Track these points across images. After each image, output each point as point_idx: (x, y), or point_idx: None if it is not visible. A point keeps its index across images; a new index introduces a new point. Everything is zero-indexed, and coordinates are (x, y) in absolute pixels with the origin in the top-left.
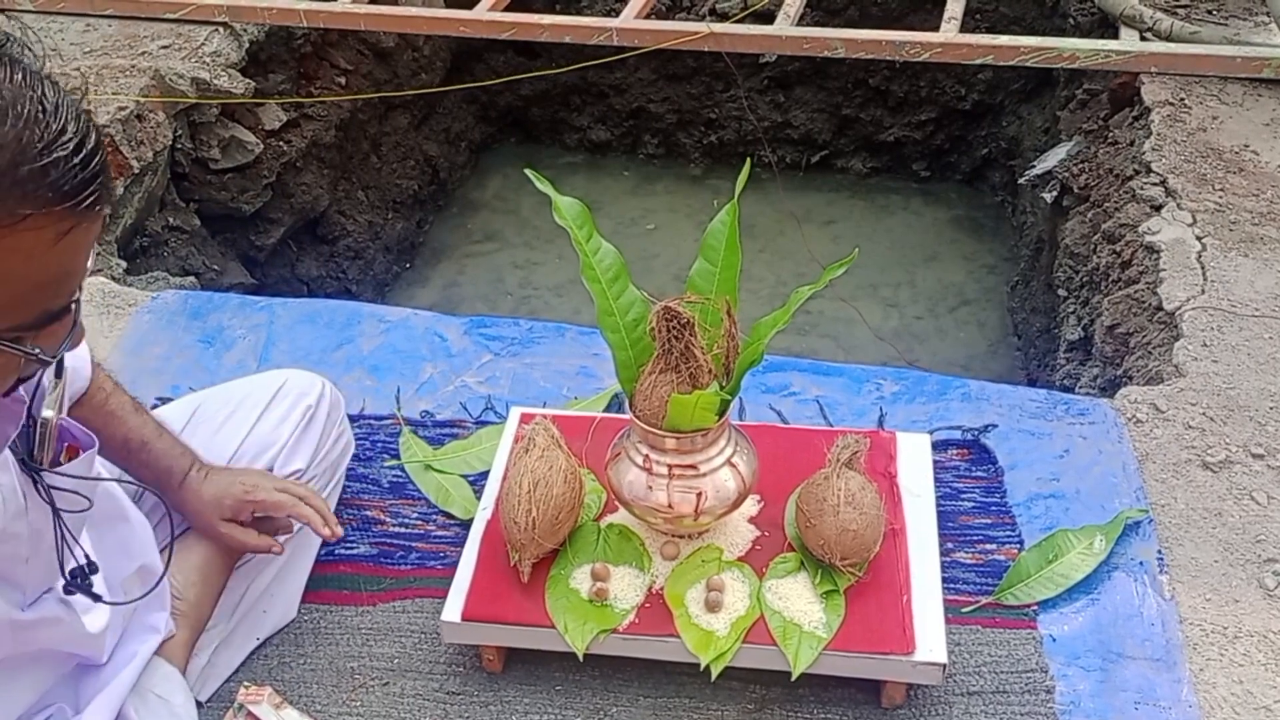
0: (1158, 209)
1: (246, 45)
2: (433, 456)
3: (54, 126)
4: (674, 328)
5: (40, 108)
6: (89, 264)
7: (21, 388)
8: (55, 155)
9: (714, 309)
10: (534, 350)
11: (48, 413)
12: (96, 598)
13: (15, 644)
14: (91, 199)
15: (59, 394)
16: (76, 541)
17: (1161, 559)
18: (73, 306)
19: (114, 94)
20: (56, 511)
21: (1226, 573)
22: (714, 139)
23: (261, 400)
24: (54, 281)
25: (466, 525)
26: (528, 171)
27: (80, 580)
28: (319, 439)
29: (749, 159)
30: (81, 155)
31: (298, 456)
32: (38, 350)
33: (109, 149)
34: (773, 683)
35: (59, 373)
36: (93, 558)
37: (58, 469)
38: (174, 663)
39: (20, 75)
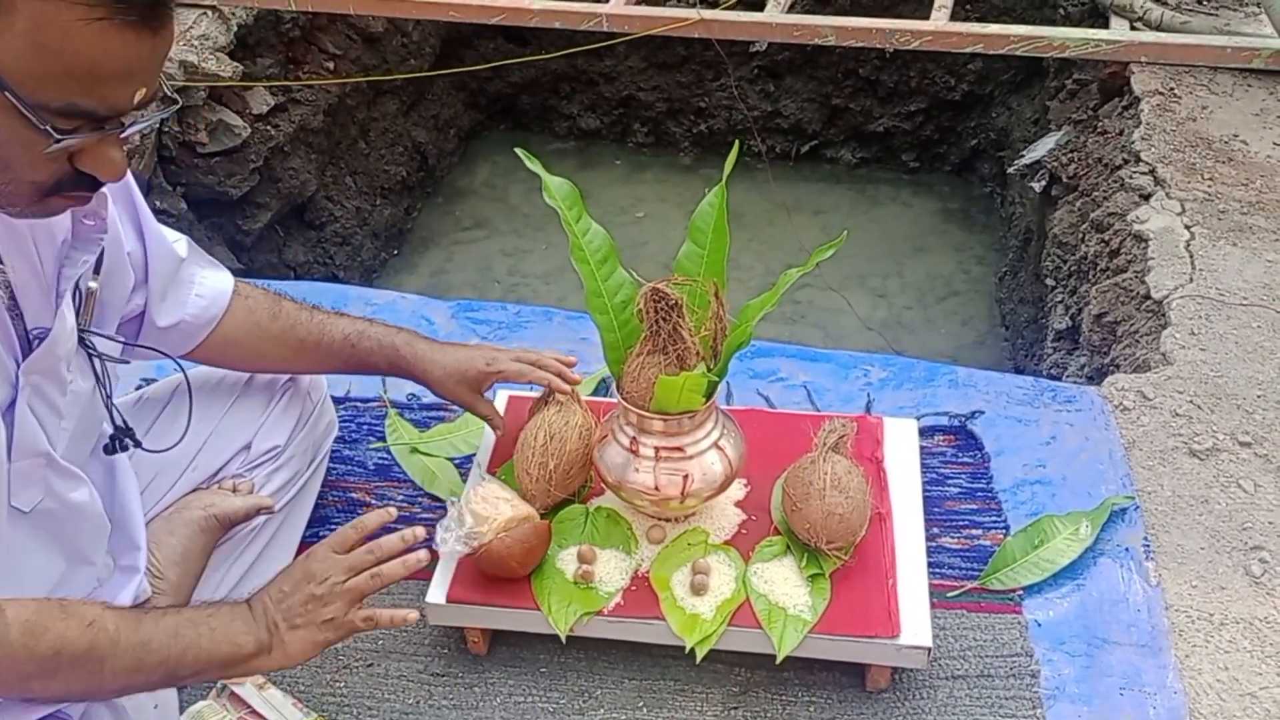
0: (1146, 198)
1: (235, 29)
2: (419, 439)
3: None
4: (662, 309)
5: None
6: (133, 92)
7: (104, 211)
8: None
9: (702, 291)
10: (521, 334)
11: (92, 284)
12: (138, 444)
13: (48, 490)
14: (128, 6)
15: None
16: (117, 408)
17: (1148, 545)
18: (106, 128)
19: None
20: (103, 360)
21: (1213, 560)
22: (704, 128)
23: (240, 378)
24: (84, 72)
25: None
26: (518, 151)
27: (119, 443)
28: (298, 418)
29: (738, 141)
30: None
31: (275, 433)
32: (57, 131)
33: None
34: (757, 666)
35: (97, 268)
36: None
37: (92, 332)
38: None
39: None
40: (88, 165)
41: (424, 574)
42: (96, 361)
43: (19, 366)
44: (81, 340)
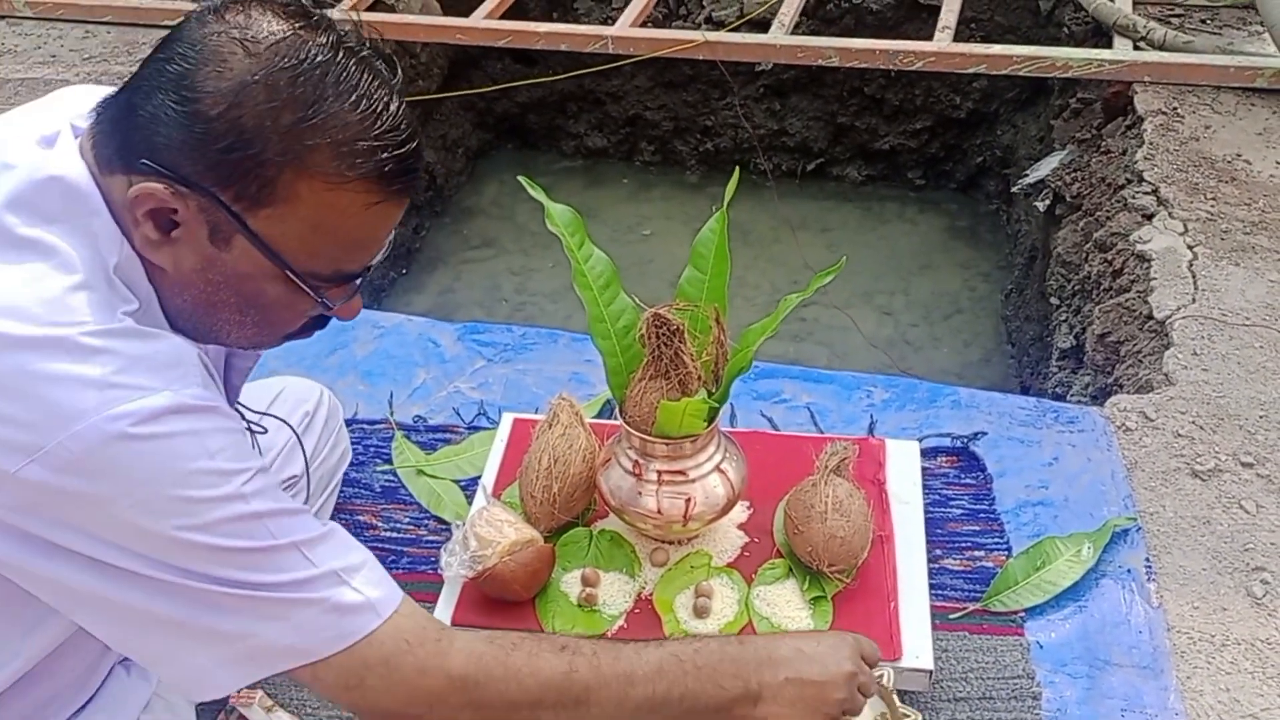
0: (1149, 218)
1: None
2: (425, 461)
3: (389, 123)
4: (663, 335)
5: (383, 107)
6: (382, 250)
7: None
8: (386, 140)
9: (703, 316)
10: (526, 356)
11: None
12: None
13: None
14: (401, 184)
15: None
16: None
17: (1150, 567)
18: (359, 278)
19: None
20: (254, 433)
21: (1215, 581)
22: (710, 146)
23: (259, 406)
24: (355, 244)
25: None
26: (521, 179)
27: None
28: (315, 445)
29: (738, 167)
30: (403, 149)
31: (293, 462)
32: (324, 299)
33: None
34: None
35: None
36: None
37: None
38: None
39: (379, 82)
40: (337, 312)
41: (430, 597)
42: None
43: None
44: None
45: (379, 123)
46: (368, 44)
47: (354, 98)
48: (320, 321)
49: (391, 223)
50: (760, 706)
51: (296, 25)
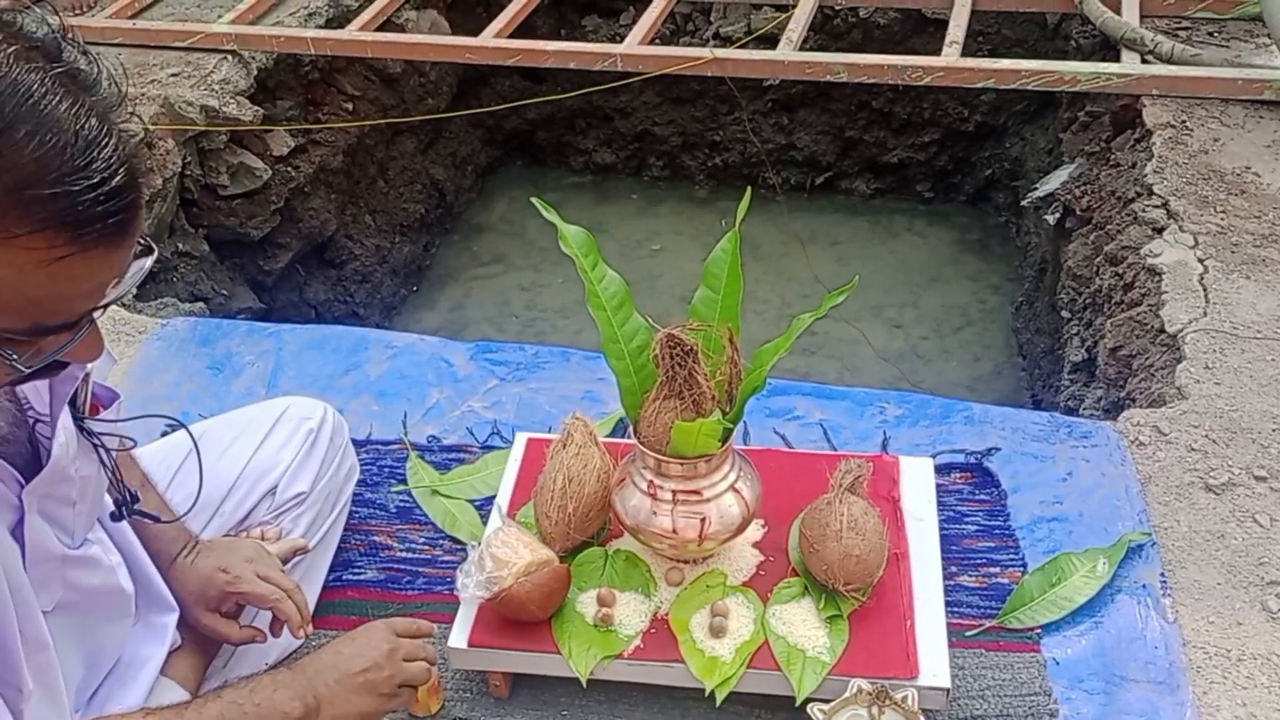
0: (1160, 231)
1: (255, 73)
2: (439, 481)
3: (78, 160)
4: (677, 355)
5: (73, 139)
6: (110, 293)
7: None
8: (68, 187)
9: (716, 336)
10: (539, 375)
11: (87, 366)
12: (154, 518)
13: (65, 584)
14: (95, 235)
15: None
16: (122, 481)
17: (1165, 582)
18: (80, 323)
19: (123, 122)
20: (106, 449)
21: (1230, 595)
22: (718, 161)
23: (264, 425)
24: (48, 300)
25: None
26: (534, 200)
27: (126, 509)
28: (321, 462)
29: (750, 187)
30: (98, 193)
31: (300, 480)
32: (15, 356)
33: None
34: (777, 708)
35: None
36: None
37: (96, 418)
38: (187, 688)
39: (69, 104)
40: (66, 356)
41: (446, 617)
42: (101, 450)
43: (22, 487)
44: (81, 428)
45: (63, 160)
46: (68, 49)
47: (28, 129)
48: (55, 366)
49: (96, 269)
50: (323, 713)
51: None
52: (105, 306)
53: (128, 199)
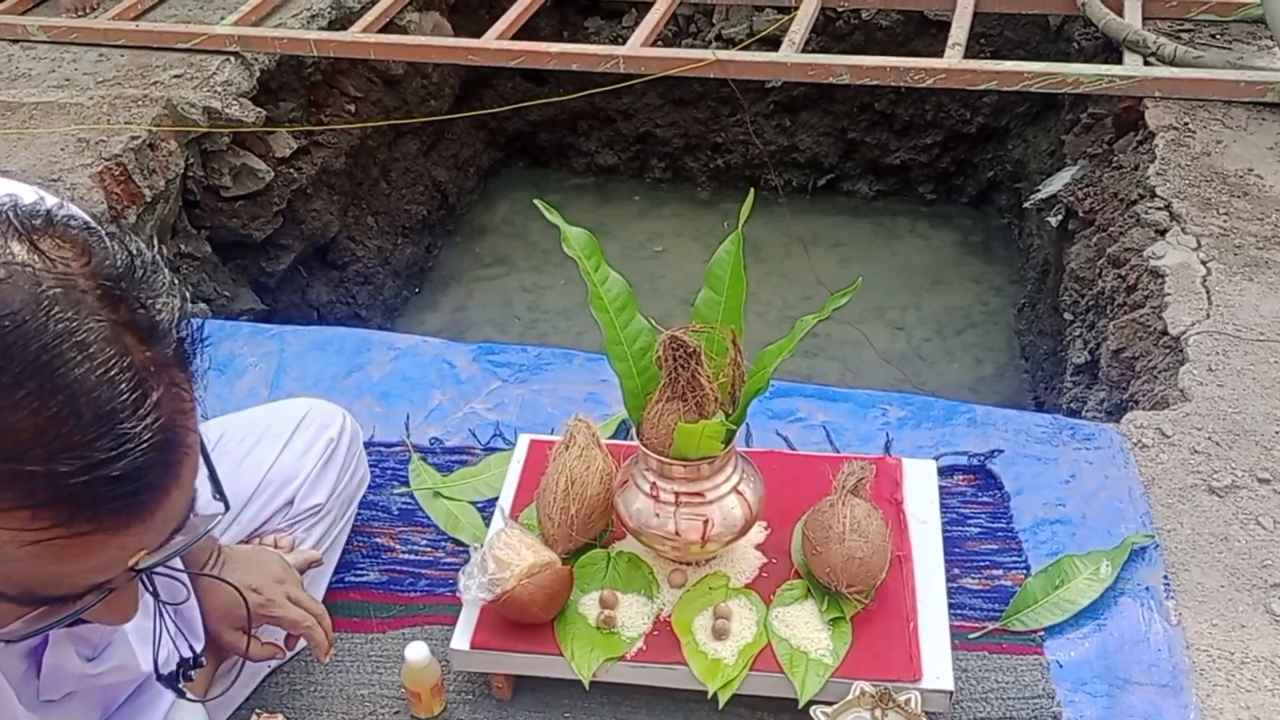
0: (1162, 233)
1: (257, 74)
2: (442, 483)
3: (80, 436)
4: (680, 357)
5: (86, 409)
6: (145, 560)
7: None
8: (56, 466)
9: (719, 338)
10: (542, 377)
11: None
12: (180, 694)
13: (81, 686)
14: (90, 519)
15: None
16: (181, 632)
17: (1168, 584)
18: (89, 594)
19: (126, 123)
20: (159, 598)
21: (1233, 598)
22: (720, 163)
23: (285, 431)
24: (36, 577)
25: None
26: (537, 202)
27: (186, 671)
28: (339, 473)
29: (753, 189)
30: (99, 474)
31: (318, 491)
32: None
33: (122, 180)
34: (780, 710)
35: None
36: (196, 650)
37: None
38: (198, 695)
39: (101, 366)
40: (92, 616)
41: (448, 619)
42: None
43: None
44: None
45: (61, 433)
46: (138, 291)
47: (31, 389)
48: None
49: (98, 554)
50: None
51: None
52: (140, 572)
53: (145, 481)
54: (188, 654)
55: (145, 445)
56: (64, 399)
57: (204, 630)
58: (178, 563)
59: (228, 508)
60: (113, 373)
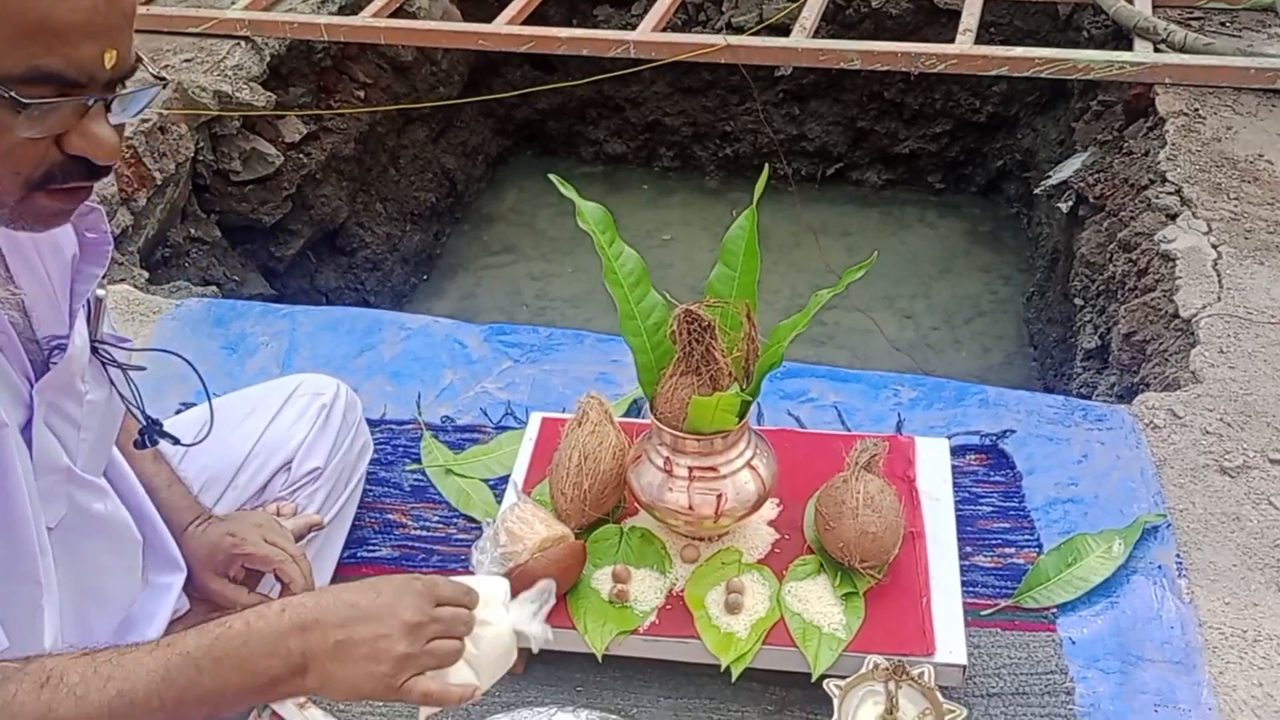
0: (1173, 218)
1: (267, 59)
2: (453, 461)
3: None
4: (695, 331)
5: None
6: (107, 60)
7: (104, 225)
8: None
9: (734, 312)
10: (553, 357)
11: (100, 292)
12: (174, 440)
13: (70, 503)
14: None
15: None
16: (139, 406)
17: (1180, 563)
18: (86, 98)
19: None
20: (125, 369)
21: (1245, 576)
22: (729, 152)
23: (276, 402)
24: (36, 28)
25: None
26: (552, 177)
27: (149, 437)
28: (335, 437)
29: (768, 165)
30: None
31: (314, 455)
32: (11, 93)
33: (132, 162)
34: (793, 684)
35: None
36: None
37: (106, 344)
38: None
39: None
40: (76, 145)
41: None
42: (111, 369)
43: (33, 385)
44: (95, 350)
45: None
46: None
47: None
48: (72, 167)
49: (80, 2)
50: (310, 676)
51: None
52: (112, 102)
53: None
54: (144, 421)
55: None
56: None
57: (194, 584)
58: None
59: (165, 81)
60: None
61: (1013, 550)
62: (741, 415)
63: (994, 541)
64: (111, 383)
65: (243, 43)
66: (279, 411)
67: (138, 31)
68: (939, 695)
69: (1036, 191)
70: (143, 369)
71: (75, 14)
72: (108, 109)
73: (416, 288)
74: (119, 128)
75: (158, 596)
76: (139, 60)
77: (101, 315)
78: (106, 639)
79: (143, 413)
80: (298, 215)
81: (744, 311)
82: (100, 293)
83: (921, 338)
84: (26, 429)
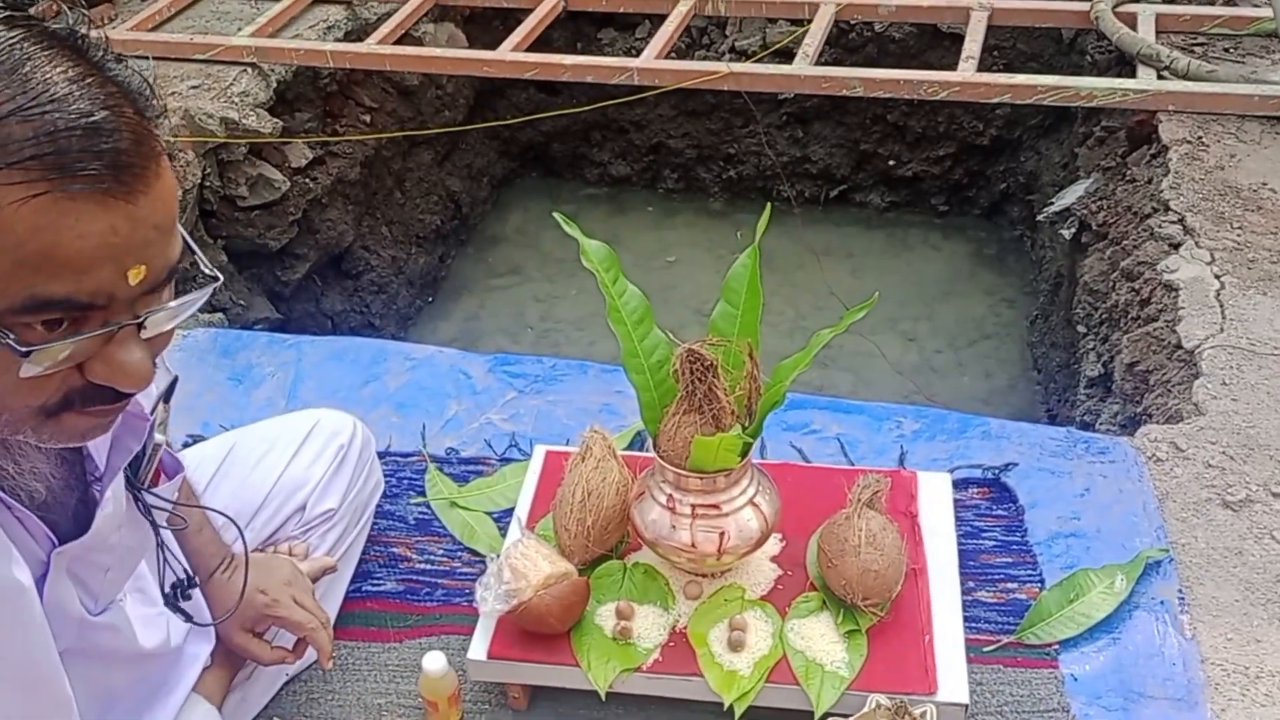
0: (1176, 247)
1: (274, 85)
2: (458, 493)
3: (54, 94)
4: (697, 370)
5: (40, 74)
6: (132, 278)
7: (145, 405)
8: (44, 118)
9: (736, 351)
10: (557, 388)
11: (159, 437)
12: (188, 617)
13: (79, 640)
14: (77, 171)
15: (166, 420)
16: (176, 559)
17: (1183, 598)
18: (109, 324)
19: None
20: (157, 528)
21: (1248, 612)
22: (733, 174)
23: (295, 440)
24: (39, 259)
25: None
26: (556, 215)
27: (181, 592)
28: (350, 478)
29: (770, 203)
30: (79, 130)
31: (330, 496)
32: (11, 337)
33: None
34: None
35: (167, 398)
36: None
37: (153, 490)
38: (212, 701)
39: (61, 62)
40: (99, 374)
41: (465, 629)
42: (152, 525)
43: (54, 547)
44: (136, 498)
45: (39, 99)
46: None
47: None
48: (100, 392)
49: (93, 228)
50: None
51: None
52: (144, 319)
53: (114, 144)
54: (181, 575)
55: (105, 116)
56: (14, 74)
57: (215, 634)
58: (173, 496)
59: (218, 279)
60: (71, 70)
61: (1015, 585)
62: (743, 454)
63: (996, 576)
64: (160, 543)
65: (249, 69)
66: (298, 451)
67: (143, 58)
68: None
69: (1039, 217)
70: (184, 526)
71: (84, 240)
72: (141, 326)
73: (422, 310)
74: (158, 338)
75: (186, 665)
76: (186, 255)
77: (156, 462)
78: (132, 708)
79: (181, 569)
80: (304, 239)
81: (746, 351)
82: (159, 438)
83: (925, 361)
84: (39, 583)
